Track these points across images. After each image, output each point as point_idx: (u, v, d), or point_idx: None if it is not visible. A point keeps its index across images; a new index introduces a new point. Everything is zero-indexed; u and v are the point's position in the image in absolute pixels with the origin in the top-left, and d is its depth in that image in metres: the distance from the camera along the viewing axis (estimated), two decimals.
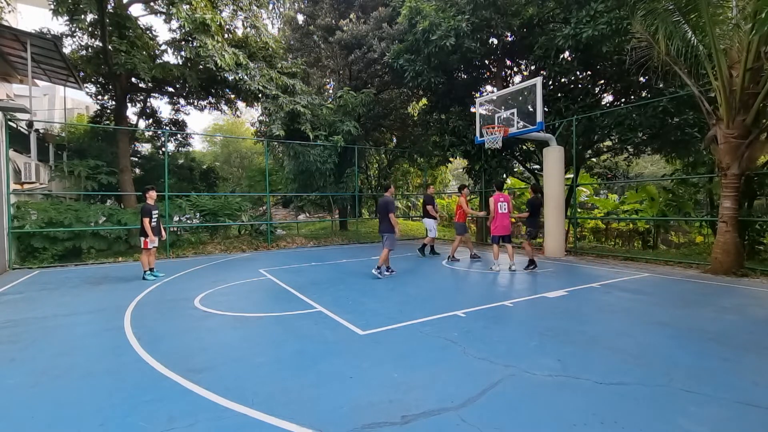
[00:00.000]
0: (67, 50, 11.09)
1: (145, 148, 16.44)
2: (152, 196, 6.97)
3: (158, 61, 11.70)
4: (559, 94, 10.95)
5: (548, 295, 5.32)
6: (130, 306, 4.98)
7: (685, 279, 6.55)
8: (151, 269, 7.03)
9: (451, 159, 14.23)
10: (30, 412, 2.43)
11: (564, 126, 10.26)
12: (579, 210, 14.88)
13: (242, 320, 4.39)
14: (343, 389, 2.67)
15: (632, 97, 10.53)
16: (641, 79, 9.31)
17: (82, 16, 9.58)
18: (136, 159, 15.25)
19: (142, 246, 6.84)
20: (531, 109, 8.71)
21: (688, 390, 2.61)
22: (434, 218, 9.30)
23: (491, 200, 7.24)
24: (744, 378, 2.79)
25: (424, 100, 15.89)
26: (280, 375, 2.92)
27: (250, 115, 26.56)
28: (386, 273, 6.84)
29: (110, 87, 12.95)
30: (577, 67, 10.12)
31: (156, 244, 7.06)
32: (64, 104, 15.13)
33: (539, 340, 3.59)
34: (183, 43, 11.44)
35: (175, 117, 15.64)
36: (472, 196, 13.44)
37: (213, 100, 14.99)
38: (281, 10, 16.17)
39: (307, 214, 17.43)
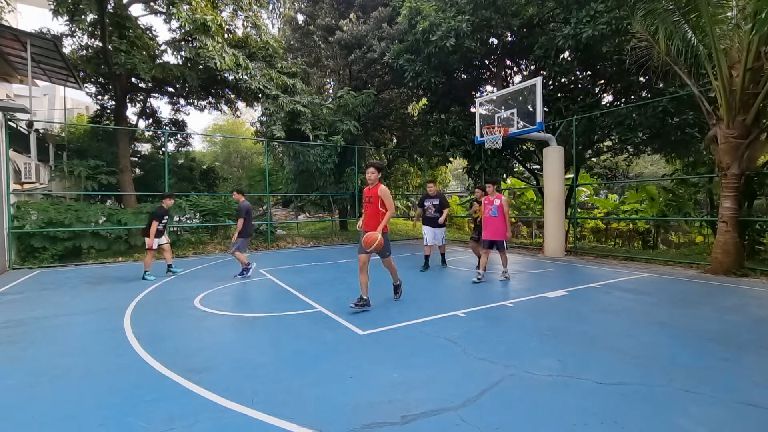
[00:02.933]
0: (67, 50, 11.09)
1: (145, 148, 16.45)
2: (168, 203, 7.17)
3: (158, 61, 11.71)
4: (559, 94, 10.95)
5: (548, 295, 5.32)
6: (130, 306, 4.98)
7: (685, 279, 6.55)
8: (169, 266, 7.35)
9: (451, 159, 14.23)
10: (30, 412, 2.43)
11: (564, 126, 10.26)
12: (579, 210, 14.89)
13: (242, 320, 4.39)
14: (343, 389, 2.67)
15: (632, 97, 10.52)
16: (641, 79, 9.31)
17: (82, 16, 9.58)
18: (136, 159, 15.26)
19: (147, 246, 6.91)
20: (531, 109, 8.71)
21: (688, 390, 2.61)
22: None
23: (505, 201, 6.28)
24: (744, 378, 2.79)
25: (424, 100, 15.88)
26: (280, 375, 2.92)
27: (250, 115, 26.56)
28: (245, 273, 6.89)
29: (110, 87, 12.95)
30: (577, 67, 10.11)
31: (163, 243, 7.21)
32: (64, 104, 15.13)
33: (539, 340, 3.59)
34: (183, 43, 11.45)
35: (175, 117, 15.65)
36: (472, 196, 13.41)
37: (213, 100, 15.00)
38: (281, 10, 16.19)
39: (307, 214, 17.44)
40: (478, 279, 6.21)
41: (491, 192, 6.40)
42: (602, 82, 11.04)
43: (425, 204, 7.47)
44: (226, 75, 11.20)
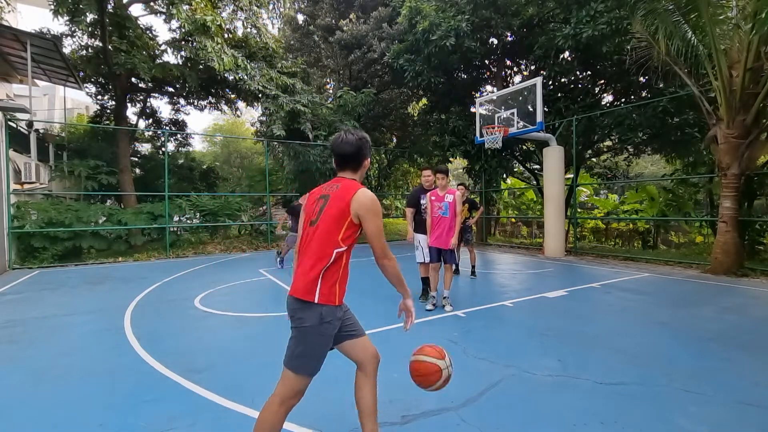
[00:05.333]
0: (67, 50, 11.09)
1: (145, 148, 16.44)
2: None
3: (158, 61, 11.71)
4: (559, 94, 10.96)
5: (548, 295, 5.31)
6: (130, 306, 4.98)
7: (685, 279, 6.55)
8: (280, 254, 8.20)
9: (451, 159, 14.24)
10: (30, 412, 2.43)
11: (564, 126, 10.26)
12: (579, 210, 14.88)
13: (242, 320, 4.39)
14: (343, 389, 2.66)
15: (632, 97, 10.54)
16: (641, 79, 9.32)
17: (82, 17, 9.58)
18: (136, 159, 15.25)
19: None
20: (531, 109, 8.71)
21: (688, 390, 2.61)
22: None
23: (458, 197, 4.70)
24: (744, 378, 2.79)
25: (424, 100, 15.89)
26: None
27: (250, 115, 26.53)
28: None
29: (110, 87, 12.95)
30: (577, 67, 10.12)
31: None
32: (64, 104, 15.13)
33: (539, 340, 3.59)
34: (183, 43, 11.44)
35: (175, 117, 15.65)
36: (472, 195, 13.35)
37: (213, 100, 15.00)
38: (281, 9, 16.18)
39: None
40: (433, 305, 4.69)
41: (442, 185, 4.67)
42: (602, 82, 11.05)
43: (421, 201, 5.07)
44: (226, 75, 11.20)
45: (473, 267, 6.94)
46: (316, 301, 1.63)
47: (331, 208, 1.65)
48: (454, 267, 5.14)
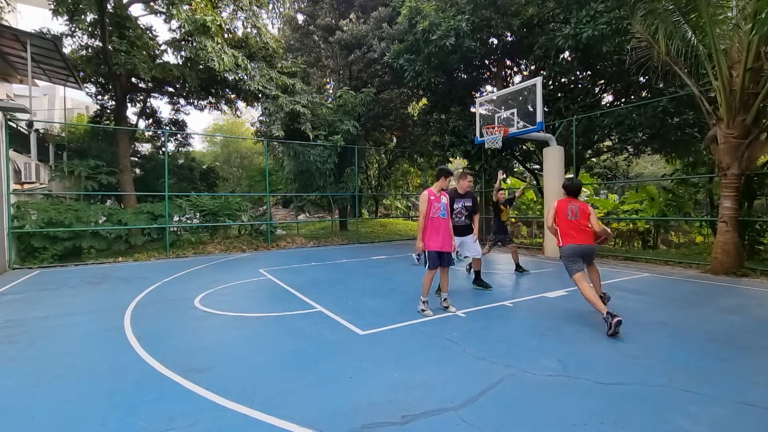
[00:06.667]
0: (67, 50, 11.10)
1: (145, 148, 16.45)
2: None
3: (158, 61, 11.71)
4: (559, 94, 10.96)
5: (548, 295, 5.31)
6: (130, 306, 4.98)
7: (685, 279, 6.55)
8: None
9: (451, 159, 14.24)
10: (30, 412, 2.43)
11: (564, 126, 10.26)
12: None
13: (242, 320, 4.39)
14: (343, 389, 2.66)
15: (632, 97, 10.53)
16: (641, 79, 9.32)
17: (82, 16, 9.58)
18: (136, 159, 15.26)
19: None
20: (531, 109, 8.70)
21: (688, 390, 2.61)
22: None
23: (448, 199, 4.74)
24: (744, 378, 2.79)
25: (424, 100, 15.89)
26: (280, 375, 2.92)
27: (250, 115, 26.56)
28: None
29: (110, 87, 12.95)
30: (577, 67, 10.12)
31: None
32: (64, 104, 15.12)
33: (539, 340, 3.59)
34: (183, 42, 11.44)
35: (175, 117, 15.66)
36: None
37: (213, 100, 15.00)
38: (281, 9, 16.18)
39: (307, 214, 17.43)
40: (447, 309, 4.55)
41: (442, 186, 4.56)
42: (602, 82, 11.05)
43: (454, 206, 5.18)
44: (225, 75, 11.20)
45: (517, 263, 7.26)
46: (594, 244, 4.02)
47: (582, 212, 4.17)
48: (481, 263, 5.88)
